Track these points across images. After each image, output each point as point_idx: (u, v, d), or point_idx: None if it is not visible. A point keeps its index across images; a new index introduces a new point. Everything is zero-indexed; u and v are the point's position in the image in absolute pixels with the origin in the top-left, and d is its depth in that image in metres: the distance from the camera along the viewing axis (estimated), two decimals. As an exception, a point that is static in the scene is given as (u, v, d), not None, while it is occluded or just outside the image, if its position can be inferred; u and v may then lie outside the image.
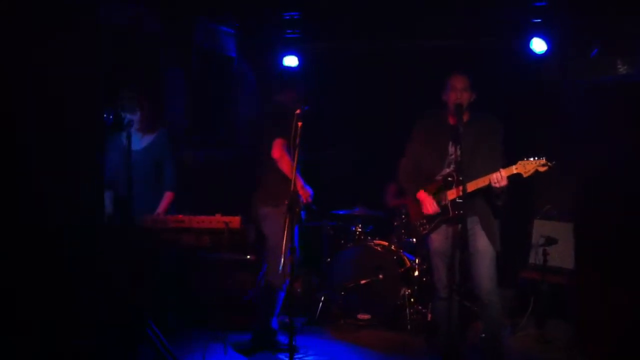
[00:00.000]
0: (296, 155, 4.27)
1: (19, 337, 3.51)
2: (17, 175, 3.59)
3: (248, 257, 6.12)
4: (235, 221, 4.18)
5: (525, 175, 4.29)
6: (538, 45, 6.60)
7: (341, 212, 6.72)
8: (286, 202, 4.84)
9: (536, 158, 4.27)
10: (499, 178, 4.28)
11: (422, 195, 4.65)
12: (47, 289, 3.68)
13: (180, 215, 4.25)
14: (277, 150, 5.08)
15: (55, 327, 3.77)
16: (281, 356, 5.14)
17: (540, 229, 6.09)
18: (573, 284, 5.78)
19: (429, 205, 4.60)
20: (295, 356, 5.02)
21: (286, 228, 4.26)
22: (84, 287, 4.14)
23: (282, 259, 4.33)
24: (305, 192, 5.10)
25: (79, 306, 4.13)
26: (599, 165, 5.76)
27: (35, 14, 3.76)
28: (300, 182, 5.09)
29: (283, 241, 4.97)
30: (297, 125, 4.28)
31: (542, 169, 4.27)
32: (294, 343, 4.17)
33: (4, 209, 3.50)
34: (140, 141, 4.90)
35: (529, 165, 4.28)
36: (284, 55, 7.37)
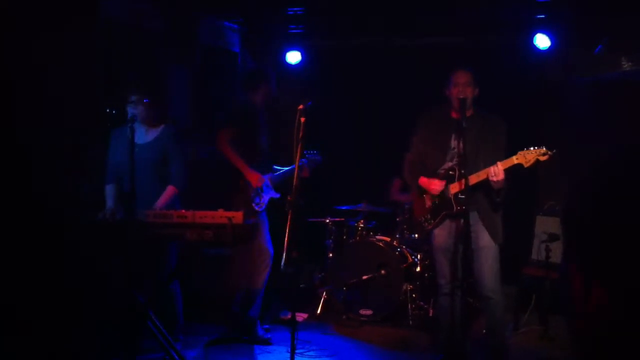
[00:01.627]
0: (299, 151, 4.27)
1: (19, 337, 3.52)
2: (16, 173, 3.59)
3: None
4: (238, 216, 4.17)
5: (526, 166, 4.29)
6: (542, 41, 6.59)
7: (344, 208, 6.72)
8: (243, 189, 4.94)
9: (536, 147, 4.27)
10: (496, 172, 4.27)
11: (424, 180, 4.63)
12: (48, 287, 3.69)
13: (183, 210, 4.25)
14: (219, 141, 5.23)
15: (56, 325, 3.77)
16: (282, 350, 5.15)
17: (543, 225, 6.08)
18: (563, 280, 5.77)
19: (434, 184, 4.57)
20: (297, 351, 5.02)
21: (288, 224, 4.26)
22: (85, 283, 4.15)
23: (285, 255, 4.33)
24: (253, 177, 5.15)
25: (81, 303, 4.14)
26: (599, 162, 5.74)
27: (36, 10, 3.76)
28: (247, 169, 5.18)
29: (256, 242, 5.06)
30: (300, 120, 4.27)
31: (542, 158, 4.27)
32: (296, 338, 4.17)
33: (4, 207, 3.50)
34: (145, 135, 4.90)
35: (529, 155, 4.28)
36: (287, 51, 7.37)
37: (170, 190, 4.84)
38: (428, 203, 4.69)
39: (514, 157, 4.31)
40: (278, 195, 5.37)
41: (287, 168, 5.46)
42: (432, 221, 4.65)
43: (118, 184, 4.87)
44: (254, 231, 5.25)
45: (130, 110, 4.69)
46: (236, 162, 5.20)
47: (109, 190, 4.88)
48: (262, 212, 5.31)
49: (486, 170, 4.33)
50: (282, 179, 5.44)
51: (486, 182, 4.37)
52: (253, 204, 5.20)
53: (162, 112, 5.01)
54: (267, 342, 5.32)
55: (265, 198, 5.30)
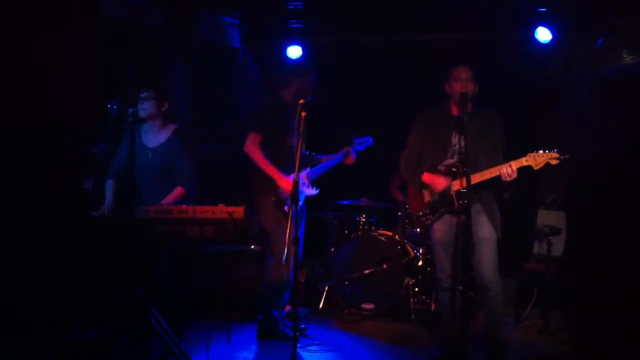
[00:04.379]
0: (299, 145, 4.27)
1: (19, 337, 3.52)
2: (16, 173, 3.58)
3: (252, 247, 6.13)
4: (239, 211, 4.16)
5: (536, 168, 4.28)
6: (543, 35, 6.57)
7: (345, 203, 6.72)
8: (274, 193, 5.01)
9: (547, 151, 4.24)
10: (510, 172, 4.27)
11: (428, 175, 4.63)
12: (48, 287, 3.68)
13: (184, 206, 4.25)
14: (248, 144, 5.13)
15: (58, 323, 3.77)
16: (284, 345, 5.16)
17: (544, 218, 6.09)
18: (566, 274, 5.79)
19: (439, 181, 4.57)
20: (299, 346, 5.02)
21: (289, 220, 4.26)
22: (85, 282, 4.15)
23: (285, 251, 4.34)
24: (286, 184, 5.07)
25: (83, 300, 4.15)
26: (599, 156, 5.74)
27: (36, 10, 3.75)
28: (279, 176, 5.06)
29: (277, 233, 5.01)
30: (300, 115, 4.28)
31: (553, 162, 4.24)
32: (297, 333, 4.17)
33: (4, 207, 3.49)
34: (155, 137, 4.92)
35: (539, 158, 4.26)
36: (288, 46, 7.35)
37: (178, 190, 4.85)
38: (427, 198, 4.68)
39: (524, 159, 4.29)
40: (316, 192, 5.27)
41: (326, 162, 5.42)
42: (431, 216, 4.64)
43: (119, 180, 4.89)
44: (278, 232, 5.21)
45: (139, 106, 4.71)
46: (267, 168, 5.07)
47: (109, 185, 4.91)
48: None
49: (492, 169, 4.33)
50: (321, 172, 5.37)
51: (490, 180, 4.37)
52: (285, 207, 5.12)
53: (169, 108, 5.02)
54: (290, 339, 5.26)
55: (301, 198, 5.21)
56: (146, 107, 4.85)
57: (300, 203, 5.17)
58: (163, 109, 4.96)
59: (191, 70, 6.70)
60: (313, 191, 5.25)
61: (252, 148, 5.10)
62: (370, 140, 5.55)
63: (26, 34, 3.57)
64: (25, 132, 3.62)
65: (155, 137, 4.92)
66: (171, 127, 4.98)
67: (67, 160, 3.92)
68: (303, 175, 5.19)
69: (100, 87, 4.78)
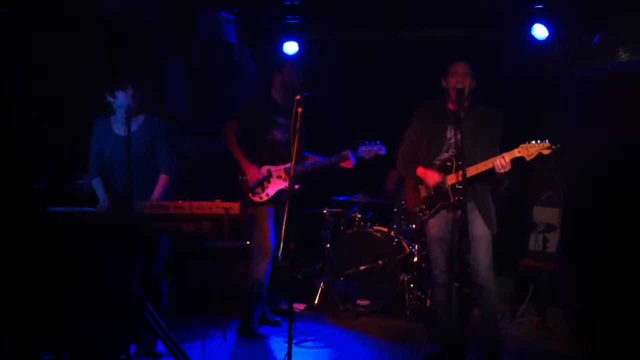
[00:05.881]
0: (296, 141, 4.26)
1: (17, 337, 3.50)
2: (16, 172, 3.57)
3: (248, 243, 6.13)
4: (235, 207, 4.16)
5: (528, 159, 4.28)
6: (539, 32, 6.56)
7: (341, 199, 6.71)
8: (240, 180, 5.21)
9: (539, 141, 4.25)
10: (503, 163, 4.27)
11: (422, 170, 4.63)
12: (47, 285, 3.66)
13: (180, 201, 4.24)
14: (224, 130, 5.36)
15: (56, 323, 3.76)
16: (279, 341, 5.16)
17: (540, 215, 6.09)
18: (560, 271, 5.79)
19: (432, 175, 4.57)
20: (294, 342, 5.02)
21: (285, 217, 4.28)
22: (84, 277, 4.14)
23: (282, 246, 4.35)
24: (249, 170, 5.21)
25: (79, 296, 4.14)
26: (595, 153, 5.73)
27: (36, 10, 3.75)
28: (245, 162, 5.24)
29: (255, 226, 5.25)
30: (297, 111, 4.27)
31: (545, 152, 4.25)
32: (293, 329, 4.17)
33: (3, 206, 3.48)
34: (131, 124, 4.86)
35: (531, 149, 4.26)
36: (284, 42, 7.33)
37: (163, 179, 4.79)
38: (423, 193, 4.69)
39: (516, 150, 4.29)
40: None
41: (311, 162, 5.44)
42: (427, 212, 4.65)
43: (105, 176, 4.81)
44: (250, 222, 5.28)
45: (122, 100, 4.63)
46: (236, 154, 5.28)
47: (97, 183, 4.80)
48: (265, 203, 5.27)
49: (486, 162, 4.32)
50: (306, 170, 5.37)
51: (485, 173, 4.37)
52: (250, 195, 5.21)
53: (151, 103, 5.00)
54: (258, 335, 5.33)
55: (271, 189, 5.25)
56: (126, 98, 4.76)
57: (270, 193, 5.26)
58: (141, 100, 4.89)
59: (189, 67, 6.68)
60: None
61: (226, 134, 5.33)
62: (382, 149, 5.37)
63: (26, 34, 3.57)
64: (25, 131, 3.61)
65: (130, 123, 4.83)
66: (141, 116, 4.87)
67: (67, 159, 3.92)
68: (280, 169, 5.26)
69: (100, 88, 4.76)
